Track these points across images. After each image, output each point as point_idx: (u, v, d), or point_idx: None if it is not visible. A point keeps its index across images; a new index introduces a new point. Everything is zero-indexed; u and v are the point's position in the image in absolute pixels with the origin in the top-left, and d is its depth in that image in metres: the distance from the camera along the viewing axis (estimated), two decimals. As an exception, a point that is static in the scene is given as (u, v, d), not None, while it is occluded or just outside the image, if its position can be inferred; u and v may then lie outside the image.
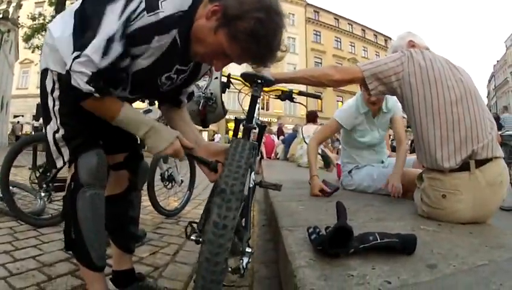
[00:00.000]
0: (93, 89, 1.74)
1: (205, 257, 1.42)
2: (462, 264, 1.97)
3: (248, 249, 1.92)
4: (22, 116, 42.25)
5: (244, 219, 2.09)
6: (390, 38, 73.54)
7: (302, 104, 3.87)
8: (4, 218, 4.27)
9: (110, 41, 1.71)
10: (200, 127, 3.28)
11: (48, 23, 20.78)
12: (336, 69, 3.32)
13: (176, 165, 5.12)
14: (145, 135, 1.93)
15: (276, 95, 3.43)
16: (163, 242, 3.88)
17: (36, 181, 4.27)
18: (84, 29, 1.80)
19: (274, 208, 3.75)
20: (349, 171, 4.93)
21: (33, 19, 20.14)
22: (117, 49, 1.73)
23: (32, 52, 22.11)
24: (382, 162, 4.99)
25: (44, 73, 2.08)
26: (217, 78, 3.25)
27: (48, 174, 4.08)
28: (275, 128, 28.99)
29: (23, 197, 5.03)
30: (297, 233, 2.50)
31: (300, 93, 3.42)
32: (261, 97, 2.74)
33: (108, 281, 2.40)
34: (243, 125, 2.41)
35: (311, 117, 11.28)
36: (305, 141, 8.98)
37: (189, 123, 2.43)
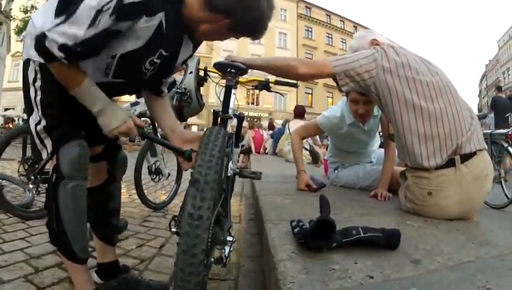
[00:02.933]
0: (63, 56, 1.75)
1: (182, 250, 1.41)
2: (448, 261, 1.97)
3: (229, 238, 1.94)
4: (13, 109, 41.93)
5: (224, 208, 2.10)
6: (381, 35, 74.14)
7: (279, 92, 3.99)
8: None
9: (98, 12, 1.70)
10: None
11: None
12: (302, 62, 3.21)
13: (163, 158, 5.12)
14: (99, 112, 1.96)
15: (252, 86, 3.45)
16: (150, 235, 3.89)
17: (24, 173, 4.26)
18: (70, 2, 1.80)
19: (259, 202, 3.78)
20: (335, 169, 4.92)
21: (25, 11, 20.04)
22: (105, 22, 1.73)
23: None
24: (371, 161, 4.96)
25: (26, 63, 2.08)
26: (191, 72, 3.32)
27: (36, 166, 4.07)
28: (265, 123, 29.03)
29: (12, 189, 5.00)
30: (281, 226, 2.51)
31: (276, 82, 3.47)
32: (237, 87, 2.76)
33: (94, 274, 2.41)
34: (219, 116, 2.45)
35: (299, 112, 11.28)
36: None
37: (168, 111, 2.47)
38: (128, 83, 2.16)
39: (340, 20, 70.47)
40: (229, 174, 2.27)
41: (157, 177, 5.05)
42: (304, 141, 9.52)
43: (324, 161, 5.97)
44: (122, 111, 2.03)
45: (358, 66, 3.07)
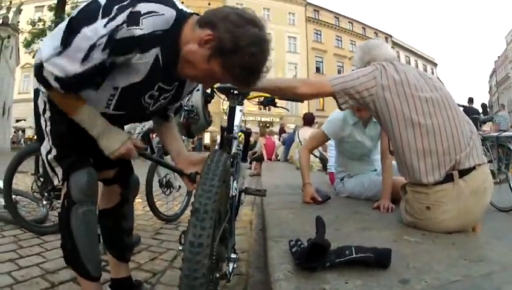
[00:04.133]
0: (58, 86, 1.86)
1: (184, 274, 1.51)
2: (435, 280, 2.01)
3: (233, 255, 2.08)
4: (25, 120, 42.21)
5: (229, 225, 2.21)
6: (390, 36, 73.27)
7: (284, 108, 3.99)
8: (8, 226, 4.37)
9: (92, 48, 1.78)
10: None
11: (47, 28, 20.84)
12: (302, 82, 3.28)
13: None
14: (98, 136, 2.05)
15: (258, 101, 3.52)
16: (162, 248, 3.97)
17: (38, 190, 4.35)
18: (72, 31, 1.86)
19: (265, 217, 3.87)
20: (341, 179, 4.98)
21: (33, 24, 20.17)
22: (98, 57, 1.80)
23: (33, 57, 22.23)
24: (375, 170, 5.01)
25: (36, 93, 2.20)
26: (198, 90, 3.32)
27: (49, 183, 4.16)
28: (276, 128, 28.93)
29: (26, 205, 5.06)
30: (282, 244, 2.58)
31: (282, 98, 3.54)
32: (243, 103, 2.91)
33: (108, 288, 2.54)
34: (225, 137, 2.59)
35: (308, 120, 11.33)
36: (301, 144, 9.05)
37: (175, 135, 2.55)
38: (129, 114, 2.26)
39: (349, 22, 70.42)
40: (234, 194, 2.38)
41: (168, 190, 5.13)
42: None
43: (330, 174, 6.01)
44: (121, 134, 2.12)
45: (357, 84, 3.09)
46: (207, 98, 3.47)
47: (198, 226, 1.58)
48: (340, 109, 3.28)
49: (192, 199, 1.69)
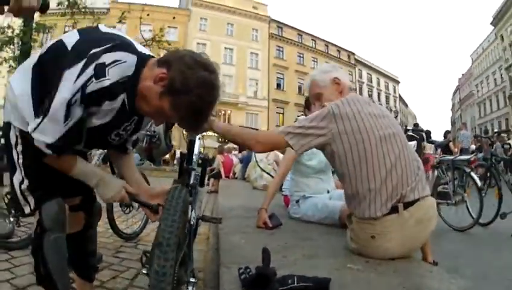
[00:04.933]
0: (51, 152, 2.02)
1: None
2: None
3: (192, 279, 2.27)
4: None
5: (188, 250, 2.40)
6: (353, 54, 73.67)
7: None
8: None
9: (69, 105, 1.89)
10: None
11: (16, 36, 20.58)
12: (256, 140, 3.21)
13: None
14: (96, 185, 2.24)
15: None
16: (123, 266, 4.10)
17: (5, 207, 4.46)
18: (43, 93, 1.99)
19: (219, 241, 4.01)
20: (297, 201, 5.11)
21: (1, 31, 19.92)
22: (77, 112, 1.94)
23: (0, 64, 21.86)
24: (328, 191, 5.17)
25: (7, 125, 2.29)
26: None
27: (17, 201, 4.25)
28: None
29: None
30: (233, 270, 2.69)
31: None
32: (200, 138, 3.08)
33: None
34: (184, 168, 2.80)
35: None
36: (258, 165, 9.22)
37: (132, 168, 2.69)
38: (94, 147, 2.46)
39: (312, 39, 70.81)
40: (192, 222, 2.56)
41: (128, 209, 5.24)
42: (269, 166, 9.81)
43: (284, 197, 6.13)
44: (114, 182, 2.29)
45: (311, 133, 3.06)
46: (168, 124, 3.61)
47: (162, 257, 1.77)
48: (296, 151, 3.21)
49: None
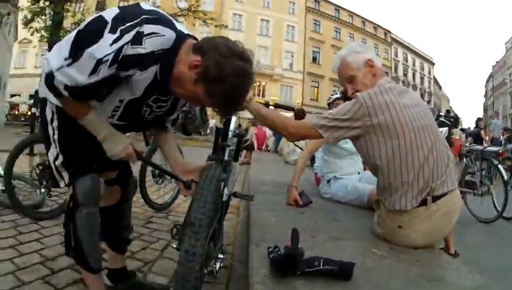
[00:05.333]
0: (67, 94, 2.02)
1: (179, 276, 1.79)
2: None
3: (220, 255, 2.36)
4: (19, 95, 41.74)
5: (219, 225, 2.50)
6: (389, 32, 72.56)
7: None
8: (6, 211, 4.49)
9: (99, 63, 1.93)
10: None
11: (48, 6, 20.71)
12: (288, 129, 3.24)
13: (165, 163, 5.35)
14: (103, 140, 2.22)
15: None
16: (153, 237, 4.20)
17: (37, 178, 4.54)
18: (80, 46, 2.00)
19: (250, 217, 4.06)
20: (328, 181, 5.15)
21: (33, 2, 20.08)
22: (104, 71, 1.95)
23: (32, 34, 22.05)
24: (358, 173, 5.20)
25: (43, 102, 2.34)
26: None
27: (47, 171, 4.30)
28: None
29: (22, 188, 5.23)
30: (262, 248, 2.73)
31: (276, 105, 3.72)
32: (236, 116, 3.14)
33: (105, 277, 2.73)
34: (219, 145, 2.87)
35: (299, 116, 10.91)
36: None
37: (172, 144, 2.71)
38: (130, 125, 2.46)
39: (349, 15, 69.59)
40: (224, 199, 2.63)
41: (161, 179, 5.33)
42: (302, 141, 9.79)
43: (315, 174, 6.15)
44: (122, 138, 2.28)
45: (344, 126, 3.04)
46: None
47: (193, 237, 1.83)
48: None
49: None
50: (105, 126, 2.26)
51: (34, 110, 12.13)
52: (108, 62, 1.94)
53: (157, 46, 2.02)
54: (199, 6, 24.51)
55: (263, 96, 56.37)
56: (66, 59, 1.99)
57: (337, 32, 66.34)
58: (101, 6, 26.33)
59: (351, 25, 68.08)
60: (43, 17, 21.16)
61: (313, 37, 62.97)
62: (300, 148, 8.56)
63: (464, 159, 6.73)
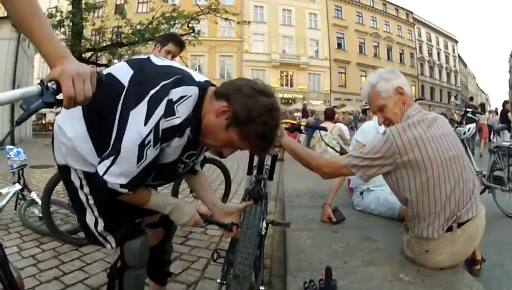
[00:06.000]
0: (127, 191, 2.05)
1: None
2: None
3: (262, 288, 2.46)
4: (44, 105, 42.38)
5: (259, 261, 2.60)
6: (411, 12, 71.28)
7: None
8: (46, 238, 4.63)
9: (142, 147, 1.93)
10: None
11: (65, 18, 20.87)
12: (323, 169, 3.27)
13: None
14: (170, 213, 2.30)
15: (285, 128, 3.74)
16: (193, 256, 4.34)
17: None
18: (102, 131, 2.06)
19: (286, 241, 4.19)
20: (361, 193, 5.27)
21: (50, 16, 20.16)
22: (151, 152, 1.97)
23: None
24: None
25: (65, 169, 2.28)
26: None
27: None
28: (299, 105, 28.55)
29: (58, 211, 5.36)
30: (299, 280, 2.94)
31: (307, 125, 3.84)
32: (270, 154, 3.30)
33: None
34: (255, 177, 3.08)
35: (329, 115, 11.27)
36: (323, 140, 9.12)
37: (205, 186, 2.74)
38: (166, 181, 2.59)
39: (369, -2, 68.96)
40: (263, 233, 2.74)
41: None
42: (334, 141, 9.82)
43: (348, 180, 6.18)
44: (187, 208, 2.34)
45: (374, 165, 3.11)
46: None
47: (238, 288, 2.02)
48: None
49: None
50: (168, 201, 2.35)
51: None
52: (152, 143, 1.96)
53: (189, 109, 2.05)
54: (219, 3, 24.22)
55: (291, 86, 56.59)
56: (106, 158, 2.01)
57: (359, 16, 65.05)
58: (120, 10, 26.27)
59: (372, 8, 66.72)
60: (62, 29, 21.30)
61: (336, 23, 61.84)
62: (332, 148, 8.57)
63: (492, 156, 6.70)
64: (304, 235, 4.12)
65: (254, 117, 2.01)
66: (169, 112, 1.97)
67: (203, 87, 2.14)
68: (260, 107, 2.02)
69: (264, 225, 2.78)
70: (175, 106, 1.99)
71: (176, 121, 1.99)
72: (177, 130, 2.02)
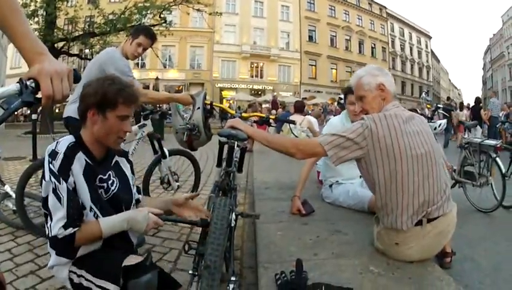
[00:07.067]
0: (71, 228, 2.16)
1: None
2: None
3: (233, 278, 2.50)
4: (17, 95, 41.90)
5: (229, 250, 2.69)
6: (385, 7, 71.69)
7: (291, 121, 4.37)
8: (20, 232, 4.64)
9: (54, 191, 2.16)
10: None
11: (39, 7, 20.71)
12: (297, 148, 3.36)
13: (170, 172, 5.63)
14: (128, 227, 2.35)
15: (254, 120, 3.93)
16: (165, 247, 4.39)
17: None
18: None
19: (256, 233, 4.27)
20: (330, 186, 5.32)
21: (24, 5, 19.95)
22: (63, 188, 2.17)
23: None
24: (360, 176, 5.22)
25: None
26: (199, 108, 3.69)
27: None
28: (268, 96, 28.51)
29: (31, 203, 5.24)
30: (270, 272, 3.01)
31: (276, 119, 3.90)
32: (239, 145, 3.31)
33: None
34: (224, 170, 3.09)
35: (298, 107, 11.52)
36: (292, 132, 9.18)
37: (151, 199, 2.94)
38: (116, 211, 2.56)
39: (343, -8, 68.89)
40: (232, 225, 2.77)
41: (170, 186, 5.63)
42: (303, 133, 9.88)
43: (318, 173, 6.28)
44: (140, 215, 2.37)
45: (349, 145, 3.21)
46: (207, 115, 3.81)
47: (209, 278, 2.11)
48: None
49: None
50: (120, 218, 2.37)
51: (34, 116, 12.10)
52: (55, 181, 2.19)
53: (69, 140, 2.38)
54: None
55: (261, 77, 56.77)
56: (46, 223, 2.24)
57: (332, 9, 65.39)
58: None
59: (345, 1, 67.07)
60: (36, 19, 21.14)
61: (308, 16, 62.15)
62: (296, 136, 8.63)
63: (463, 151, 6.84)
64: (273, 227, 4.20)
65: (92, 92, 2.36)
66: (52, 154, 2.25)
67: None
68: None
69: (234, 216, 2.83)
70: (55, 147, 2.28)
71: (60, 155, 2.22)
72: (67, 158, 2.24)
